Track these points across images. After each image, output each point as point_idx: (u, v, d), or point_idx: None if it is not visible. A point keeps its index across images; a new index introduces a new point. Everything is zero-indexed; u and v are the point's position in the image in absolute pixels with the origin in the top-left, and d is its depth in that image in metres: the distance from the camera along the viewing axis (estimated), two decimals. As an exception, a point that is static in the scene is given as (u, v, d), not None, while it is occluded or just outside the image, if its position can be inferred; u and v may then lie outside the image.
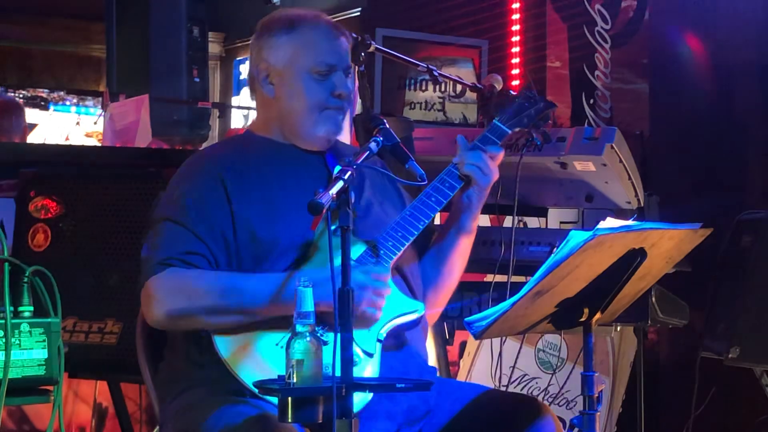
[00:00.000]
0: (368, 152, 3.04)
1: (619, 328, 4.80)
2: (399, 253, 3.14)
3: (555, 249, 4.08)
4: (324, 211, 2.73)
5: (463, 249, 3.34)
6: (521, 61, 6.86)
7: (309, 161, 3.24)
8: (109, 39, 7.64)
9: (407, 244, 3.15)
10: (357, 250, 3.10)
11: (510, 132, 3.35)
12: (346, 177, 2.81)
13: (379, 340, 3.06)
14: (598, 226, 2.92)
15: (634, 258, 3.02)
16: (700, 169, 6.05)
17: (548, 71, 6.74)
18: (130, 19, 7.57)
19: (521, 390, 5.12)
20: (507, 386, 4.87)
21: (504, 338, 4.78)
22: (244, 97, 10.69)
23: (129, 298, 3.90)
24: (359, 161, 2.96)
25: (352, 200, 2.82)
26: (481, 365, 5.09)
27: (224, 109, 8.00)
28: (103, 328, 3.92)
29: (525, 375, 5.14)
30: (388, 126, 3.16)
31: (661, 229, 3.04)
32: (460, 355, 5.24)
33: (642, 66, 6.51)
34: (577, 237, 2.91)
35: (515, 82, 6.71)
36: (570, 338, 5.08)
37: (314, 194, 2.78)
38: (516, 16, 6.91)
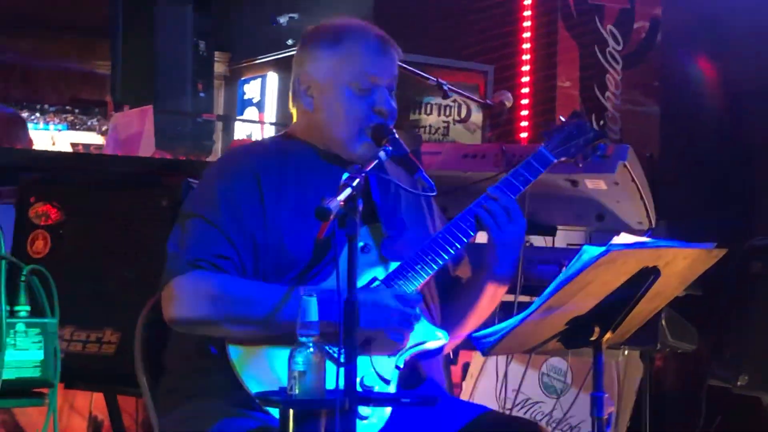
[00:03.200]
0: (378, 161, 2.96)
1: (626, 353, 4.74)
2: (427, 278, 3.06)
3: (564, 268, 4.03)
4: (331, 217, 2.65)
5: (491, 295, 3.21)
6: (531, 80, 6.81)
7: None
8: (115, 52, 7.60)
9: (437, 269, 3.06)
10: (386, 270, 3.06)
11: (555, 161, 3.22)
12: (354, 184, 2.74)
13: (397, 367, 2.99)
14: (612, 242, 2.85)
15: (647, 276, 2.95)
16: (709, 192, 6.01)
17: (558, 91, 6.71)
18: (135, 32, 7.53)
19: (524, 414, 5.04)
20: (510, 410, 4.79)
21: (509, 360, 4.72)
22: (247, 117, 10.64)
23: (129, 307, 3.79)
24: (368, 169, 2.88)
25: (360, 208, 2.74)
26: (484, 388, 5.01)
27: (228, 121, 7.95)
28: (101, 338, 3.85)
29: (528, 399, 5.05)
30: (397, 136, 3.08)
31: (675, 248, 2.98)
32: (463, 377, 5.16)
33: (653, 88, 6.51)
34: (590, 252, 2.84)
35: (525, 101, 6.67)
36: (575, 362, 5.01)
37: (321, 200, 2.70)
38: (527, 35, 6.87)
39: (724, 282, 4.60)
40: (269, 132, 10.02)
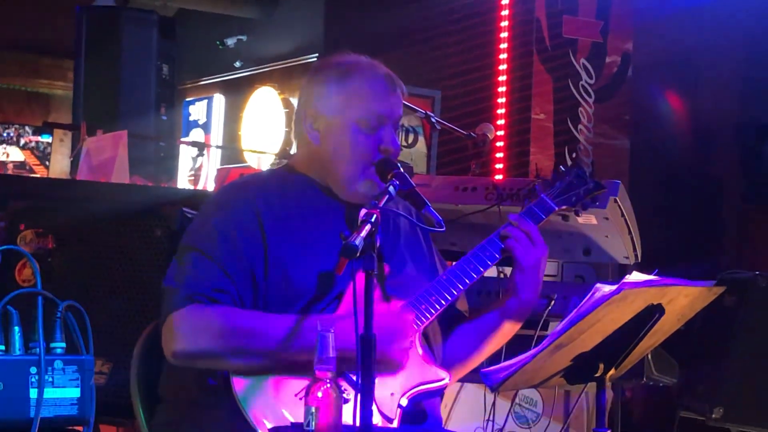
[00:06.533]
0: (388, 196, 2.96)
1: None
2: (431, 318, 3.07)
3: (552, 301, 4.06)
4: (357, 254, 2.64)
5: (504, 333, 3.25)
6: (506, 112, 6.84)
7: (349, 212, 3.08)
8: (78, 74, 7.54)
9: (440, 310, 3.08)
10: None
11: (557, 209, 3.26)
12: (372, 220, 2.74)
13: (399, 407, 2.99)
14: (624, 280, 2.88)
15: (652, 314, 3.00)
16: (677, 226, 6.08)
17: (532, 122, 6.75)
18: (98, 55, 7.48)
19: (496, 445, 5.04)
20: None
21: (484, 392, 4.72)
22: (192, 139, 10.55)
23: (119, 337, 3.78)
24: (381, 204, 2.88)
25: (377, 244, 2.75)
26: (457, 418, 5.00)
27: (203, 147, 7.92)
28: (93, 368, 3.80)
29: (501, 429, 5.06)
30: (402, 170, 3.09)
31: (680, 286, 3.02)
32: (436, 407, 5.15)
33: (624, 122, 6.57)
34: (602, 290, 2.88)
35: (500, 132, 6.70)
36: (546, 393, 5.03)
37: (341, 237, 2.70)
38: (503, 67, 6.91)
39: (698, 315, 4.64)
40: (215, 154, 10.00)
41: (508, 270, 4.68)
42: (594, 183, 3.34)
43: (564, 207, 3.29)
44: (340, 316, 2.94)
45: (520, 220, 3.16)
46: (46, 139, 11.94)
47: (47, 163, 11.70)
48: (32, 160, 11.86)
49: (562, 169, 3.34)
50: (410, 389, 3.01)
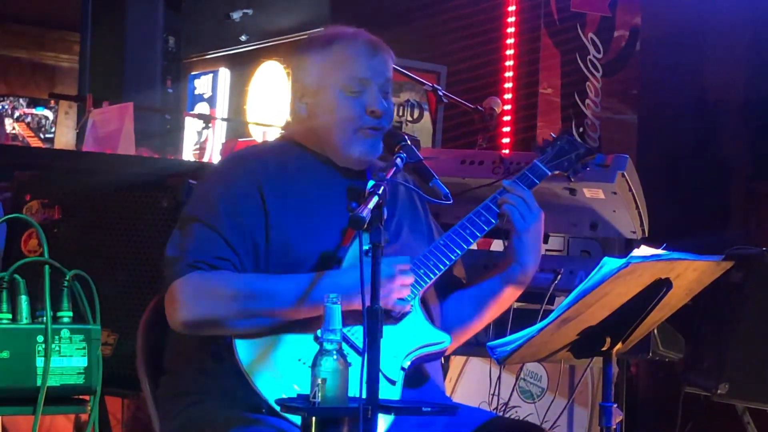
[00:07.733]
0: (395, 168, 2.97)
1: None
2: (429, 283, 3.10)
3: (559, 275, 4.05)
4: (365, 225, 2.66)
5: (505, 298, 3.28)
6: (514, 86, 6.82)
7: (348, 180, 3.14)
8: (83, 46, 7.54)
9: (439, 274, 3.11)
10: None
11: (550, 174, 3.31)
12: (380, 192, 2.76)
13: (402, 369, 3.01)
14: (632, 254, 2.87)
15: (660, 288, 2.98)
16: (684, 201, 6.07)
17: (540, 97, 6.74)
18: (104, 27, 7.47)
19: (502, 419, 5.04)
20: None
21: (490, 366, 4.73)
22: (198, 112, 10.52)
23: (125, 308, 3.78)
24: (389, 176, 2.89)
25: (385, 216, 2.76)
26: (463, 392, 5.02)
27: (209, 120, 7.91)
28: (99, 339, 3.80)
29: (505, 404, 5.07)
30: (410, 142, 3.09)
31: (688, 260, 3.01)
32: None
33: (631, 96, 6.54)
34: (610, 264, 2.87)
35: (507, 107, 6.69)
36: (551, 368, 5.04)
37: (348, 209, 2.72)
38: (510, 41, 6.88)
39: (704, 291, 4.64)
40: (220, 127, 9.98)
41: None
42: (585, 148, 3.41)
43: (557, 172, 3.35)
44: (343, 270, 2.98)
45: (514, 186, 3.21)
46: (40, 111, 11.88)
47: (41, 135, 11.65)
48: (27, 133, 11.81)
49: (553, 135, 3.40)
50: (412, 351, 3.03)
